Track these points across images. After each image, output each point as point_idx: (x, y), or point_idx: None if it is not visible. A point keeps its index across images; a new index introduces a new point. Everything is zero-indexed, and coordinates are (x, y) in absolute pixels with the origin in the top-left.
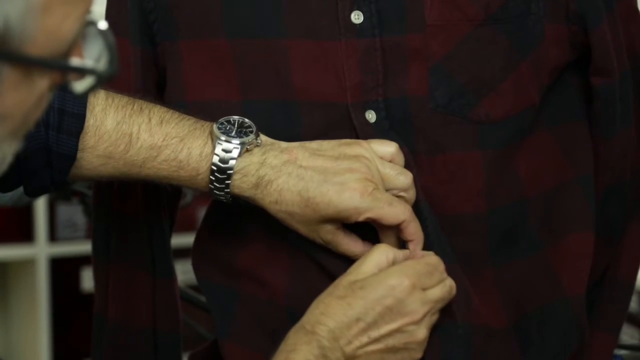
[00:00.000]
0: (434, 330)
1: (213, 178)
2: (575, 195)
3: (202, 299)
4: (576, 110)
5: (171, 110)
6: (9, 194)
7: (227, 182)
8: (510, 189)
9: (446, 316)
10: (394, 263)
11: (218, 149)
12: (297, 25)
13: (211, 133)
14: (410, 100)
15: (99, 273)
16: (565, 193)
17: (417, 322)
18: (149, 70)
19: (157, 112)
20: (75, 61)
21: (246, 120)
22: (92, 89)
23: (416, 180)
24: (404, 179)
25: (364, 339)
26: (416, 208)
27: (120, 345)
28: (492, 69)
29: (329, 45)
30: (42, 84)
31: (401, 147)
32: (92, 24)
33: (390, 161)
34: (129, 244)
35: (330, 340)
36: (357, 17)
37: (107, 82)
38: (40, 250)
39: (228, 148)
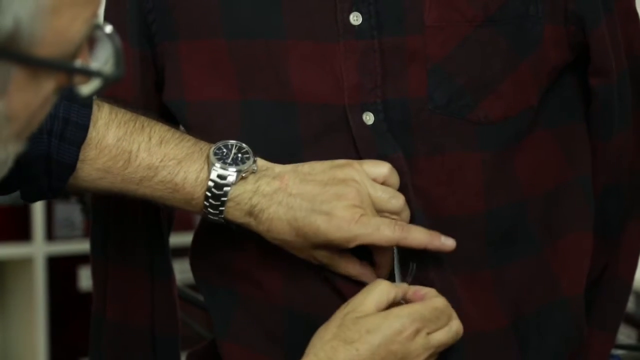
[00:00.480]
0: None
1: (207, 204)
2: (574, 195)
3: (200, 298)
4: (575, 111)
5: (172, 130)
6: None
7: (220, 208)
8: (509, 189)
9: None
10: (394, 300)
11: (213, 175)
12: (295, 26)
13: (208, 158)
14: (409, 102)
15: (97, 273)
16: (565, 193)
17: None
18: (147, 70)
19: (158, 131)
20: (82, 63)
21: (243, 145)
22: (98, 92)
23: (409, 185)
24: (395, 202)
25: None
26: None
27: (118, 345)
28: (491, 71)
29: (327, 46)
30: (48, 86)
31: (395, 152)
32: (99, 27)
33: (383, 183)
34: (127, 244)
35: None
36: (355, 19)
37: (114, 84)
38: (38, 249)
39: (223, 175)
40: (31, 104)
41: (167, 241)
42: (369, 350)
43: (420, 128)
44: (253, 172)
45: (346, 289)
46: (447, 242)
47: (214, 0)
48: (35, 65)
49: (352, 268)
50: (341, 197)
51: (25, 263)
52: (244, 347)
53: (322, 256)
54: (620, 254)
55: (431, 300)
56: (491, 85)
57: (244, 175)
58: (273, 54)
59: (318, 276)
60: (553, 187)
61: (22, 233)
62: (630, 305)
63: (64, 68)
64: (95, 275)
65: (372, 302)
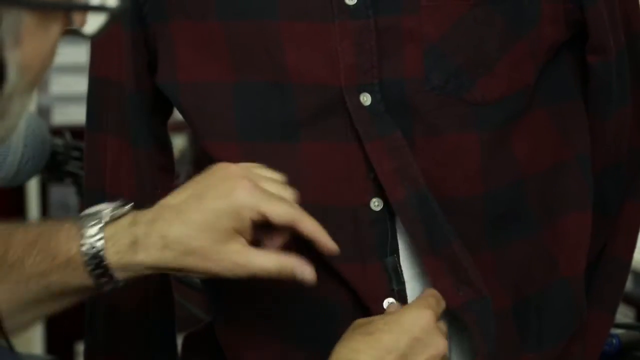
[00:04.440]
0: (467, 308)
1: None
2: (572, 174)
3: (196, 280)
4: (572, 90)
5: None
6: (1, 174)
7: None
8: (507, 170)
9: (474, 292)
10: None
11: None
12: (289, 7)
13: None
14: (406, 82)
15: None
16: (563, 172)
17: (441, 357)
18: (139, 52)
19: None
20: (85, 1)
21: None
22: (103, 29)
23: (413, 163)
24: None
25: None
26: (419, 192)
27: (114, 328)
28: (488, 50)
29: (322, 27)
30: (55, 30)
31: (394, 132)
32: None
33: None
34: None
35: None
36: None
37: (118, 17)
38: None
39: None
40: (42, 51)
41: None
42: (391, 338)
43: (417, 109)
44: (124, 214)
45: (343, 269)
46: (330, 247)
47: None
48: (45, 8)
49: (268, 259)
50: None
51: None
52: (241, 329)
53: (235, 252)
54: (618, 233)
55: (426, 291)
56: (488, 65)
57: (112, 216)
58: (267, 35)
59: (314, 257)
60: (551, 166)
61: (17, 215)
62: (629, 284)
63: (71, 7)
64: None
65: None
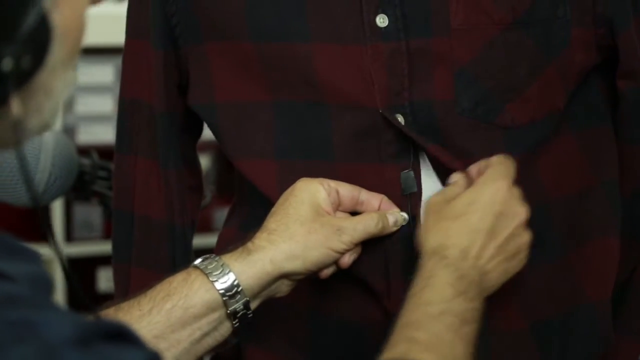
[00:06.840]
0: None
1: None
2: (599, 200)
3: None
4: (601, 114)
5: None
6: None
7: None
8: (533, 193)
9: None
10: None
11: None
12: (321, 29)
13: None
14: (436, 105)
15: (119, 276)
16: (589, 198)
17: (523, 224)
18: (170, 73)
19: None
20: None
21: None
22: None
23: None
24: None
25: (490, 250)
26: None
27: None
28: (518, 74)
29: (354, 49)
30: None
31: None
32: None
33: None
34: (149, 246)
35: (462, 260)
36: (382, 21)
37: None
38: None
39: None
40: (78, 14)
41: (190, 243)
42: (479, 217)
43: (447, 131)
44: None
45: (376, 285)
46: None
47: (239, 5)
48: None
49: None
50: None
51: (44, 264)
52: (267, 352)
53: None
54: None
55: (495, 160)
56: (518, 89)
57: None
58: (299, 57)
59: (345, 279)
60: (576, 192)
61: (41, 234)
62: None
63: None
64: (117, 278)
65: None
